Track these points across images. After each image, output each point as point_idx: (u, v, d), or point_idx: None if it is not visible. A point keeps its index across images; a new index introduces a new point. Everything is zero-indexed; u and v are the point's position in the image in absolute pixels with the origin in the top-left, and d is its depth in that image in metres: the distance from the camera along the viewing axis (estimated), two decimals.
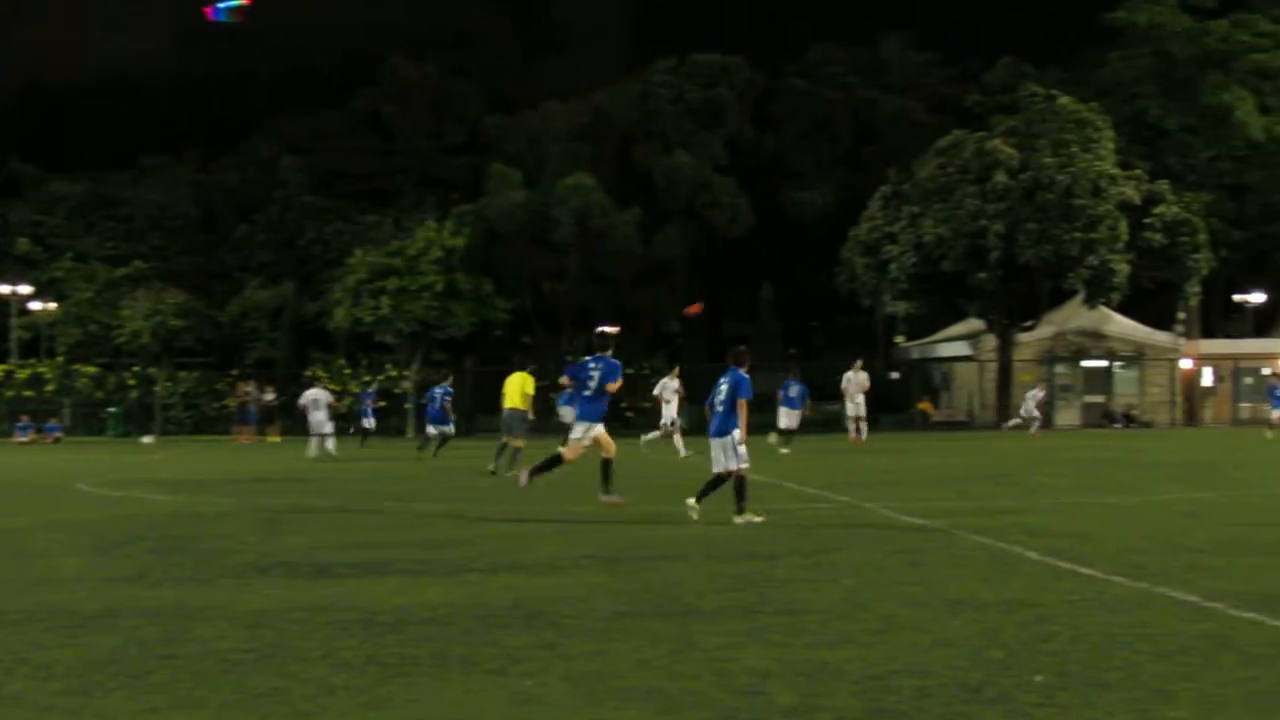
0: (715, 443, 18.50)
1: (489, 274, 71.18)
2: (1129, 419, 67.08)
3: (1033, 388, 57.03)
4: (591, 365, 21.22)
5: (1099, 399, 68.96)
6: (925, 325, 77.44)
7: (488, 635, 10.12)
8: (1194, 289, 67.70)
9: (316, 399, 42.27)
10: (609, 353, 21.20)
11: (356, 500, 24.02)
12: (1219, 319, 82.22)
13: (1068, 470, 30.63)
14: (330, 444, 41.76)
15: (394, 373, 69.50)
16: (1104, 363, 69.60)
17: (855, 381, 44.95)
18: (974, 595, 11.78)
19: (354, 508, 22.39)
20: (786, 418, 40.60)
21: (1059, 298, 70.33)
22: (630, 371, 59.86)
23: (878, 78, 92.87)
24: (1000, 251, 62.98)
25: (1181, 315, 72.21)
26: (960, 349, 72.84)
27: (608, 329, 21.79)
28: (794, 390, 40.57)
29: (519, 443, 30.19)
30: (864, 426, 45.46)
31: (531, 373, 30.98)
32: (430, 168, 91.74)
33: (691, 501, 18.46)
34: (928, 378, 74.66)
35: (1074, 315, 69.23)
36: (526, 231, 76.44)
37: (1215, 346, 71.68)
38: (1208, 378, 71.03)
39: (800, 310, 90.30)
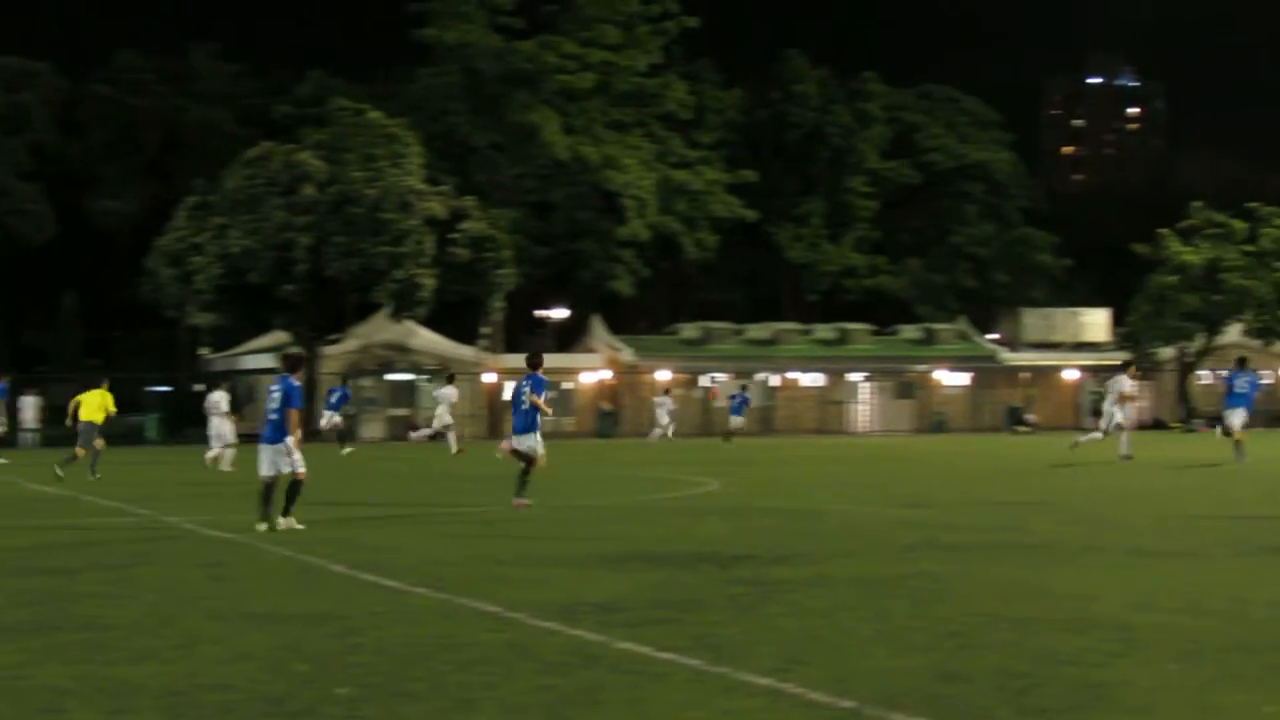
0: (267, 449, 19.16)
1: None
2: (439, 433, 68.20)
3: (661, 397, 58.82)
4: (526, 384, 22.96)
5: (404, 412, 69.81)
6: (232, 337, 76.55)
7: None
8: (498, 304, 69.75)
9: None
10: (540, 370, 23.26)
11: None
12: (522, 334, 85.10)
13: (374, 483, 30.95)
14: None
15: None
16: (409, 376, 70.57)
17: (447, 395, 46.88)
18: (278, 608, 11.79)
19: None
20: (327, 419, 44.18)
21: (366, 311, 70.92)
22: None
23: (186, 87, 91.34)
24: (307, 264, 62.92)
25: (486, 330, 74.34)
26: (267, 361, 72.27)
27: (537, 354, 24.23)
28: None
29: (96, 446, 34.31)
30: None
31: (109, 390, 35.41)
32: None
33: (263, 528, 18.81)
34: (233, 390, 73.52)
35: (380, 328, 69.98)
36: None
37: (519, 361, 73.89)
38: (509, 392, 73.19)
39: (104, 320, 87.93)
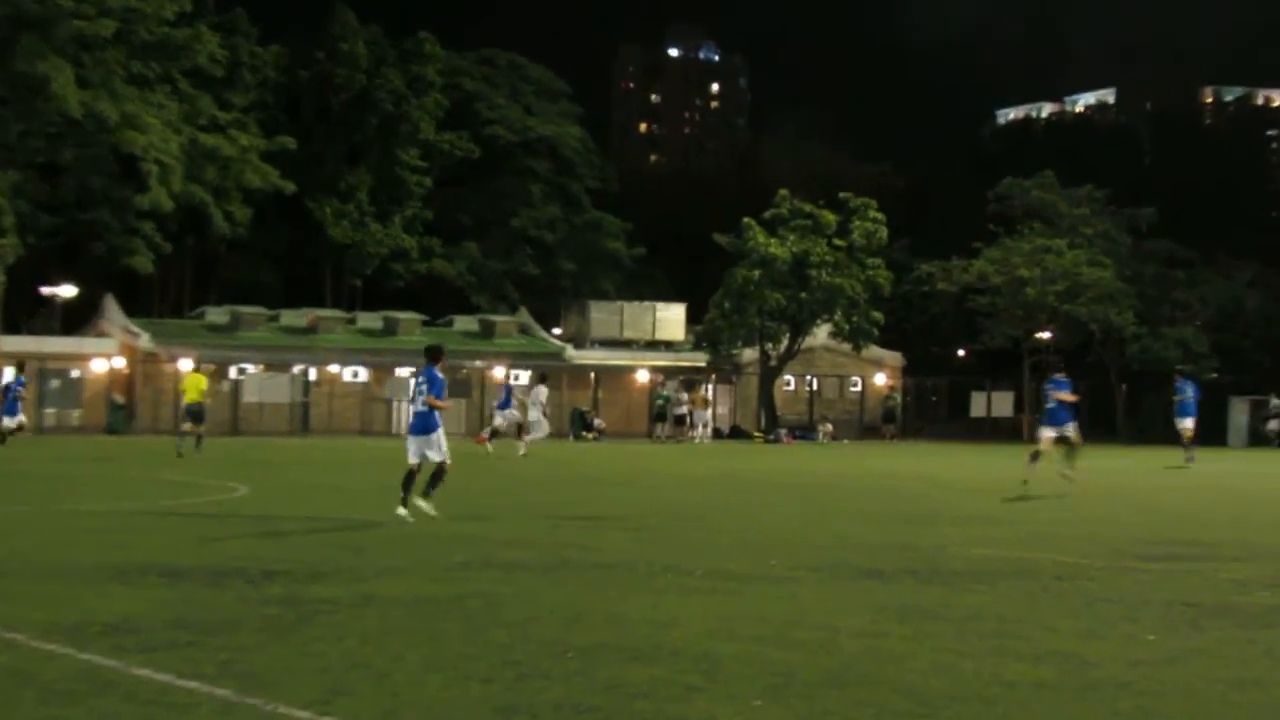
0: (415, 439, 22.37)
1: None
2: None
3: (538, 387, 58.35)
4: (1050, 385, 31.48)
5: None
6: None
7: None
8: None
9: None
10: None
11: None
12: (23, 313, 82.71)
13: None
14: None
15: None
16: None
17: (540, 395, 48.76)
18: None
19: None
20: None
21: None
22: None
23: None
24: None
25: None
26: None
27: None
28: None
29: (201, 429, 43.45)
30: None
31: (207, 374, 44.20)
32: None
33: (404, 511, 21.60)
34: None
35: None
36: None
37: (19, 344, 71.98)
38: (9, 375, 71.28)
39: None
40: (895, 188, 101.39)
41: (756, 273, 76.48)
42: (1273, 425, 78.27)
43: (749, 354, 79.80)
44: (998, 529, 22.95)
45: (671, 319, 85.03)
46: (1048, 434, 31.90)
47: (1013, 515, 25.82)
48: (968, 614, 13.31)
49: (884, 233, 78.99)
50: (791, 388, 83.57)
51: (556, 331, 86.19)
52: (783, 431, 75.69)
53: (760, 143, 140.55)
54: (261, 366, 74.20)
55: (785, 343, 79.15)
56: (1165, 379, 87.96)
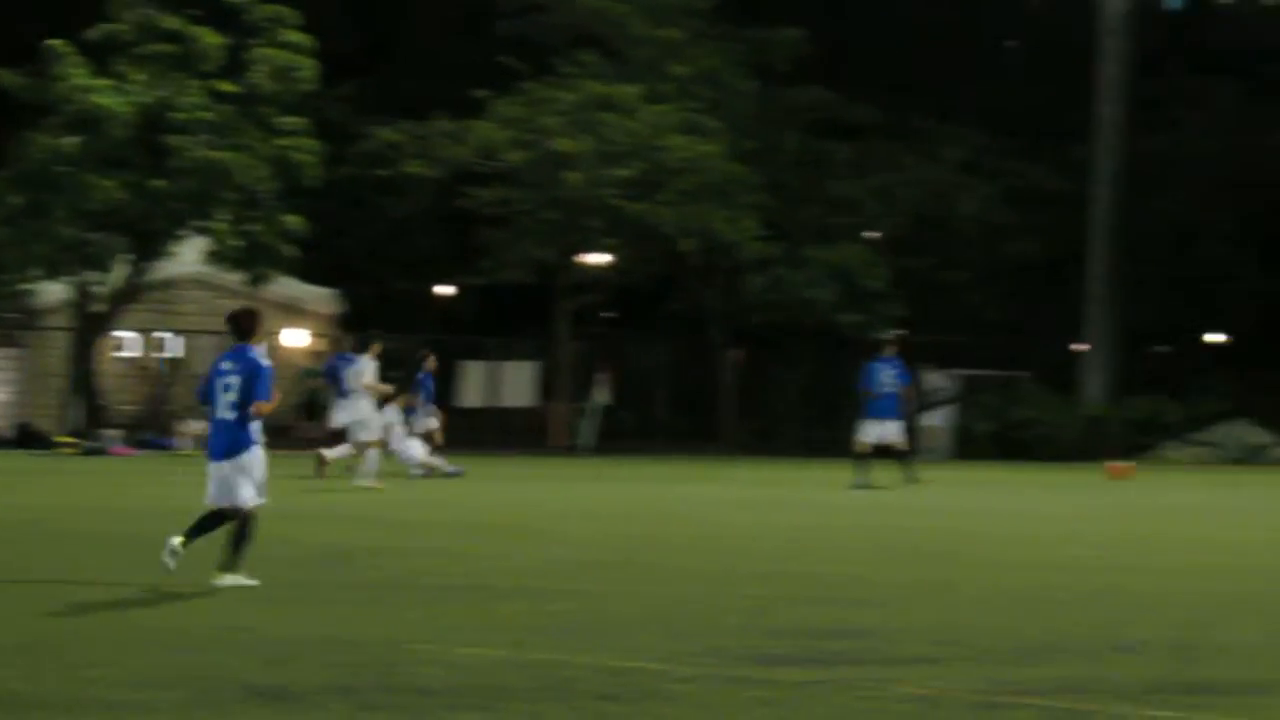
0: (220, 466, 23.92)
1: None
2: None
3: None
4: None
5: None
6: None
7: None
8: None
9: None
10: None
11: None
12: None
13: None
14: None
15: None
16: None
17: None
18: None
19: None
20: None
21: None
22: None
23: None
24: None
25: None
26: None
27: None
28: None
29: None
30: None
31: None
32: None
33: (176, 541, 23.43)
34: None
35: None
36: None
37: None
38: None
39: None
40: None
41: (70, 140, 72.06)
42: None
43: (54, 292, 75.78)
44: (500, 607, 22.98)
45: None
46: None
47: (530, 582, 26.02)
48: None
49: (310, 68, 75.45)
50: (136, 355, 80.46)
51: None
52: (112, 434, 72.48)
53: None
54: None
55: (123, 272, 74.94)
56: (811, 342, 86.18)
